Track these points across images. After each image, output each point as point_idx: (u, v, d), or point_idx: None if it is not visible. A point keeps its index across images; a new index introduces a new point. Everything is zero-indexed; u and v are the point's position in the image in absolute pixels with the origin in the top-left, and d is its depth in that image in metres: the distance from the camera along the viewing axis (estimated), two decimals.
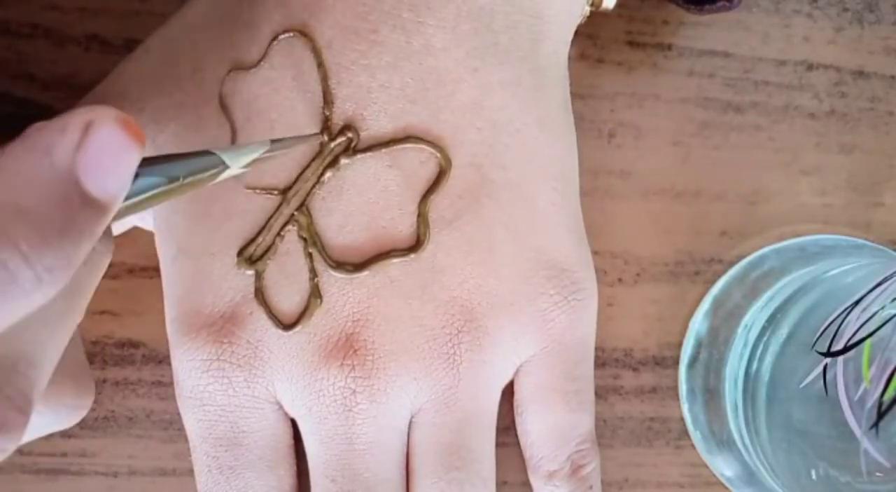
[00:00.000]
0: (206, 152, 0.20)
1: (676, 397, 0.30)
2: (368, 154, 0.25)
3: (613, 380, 0.30)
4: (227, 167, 0.20)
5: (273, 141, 0.21)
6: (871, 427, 0.23)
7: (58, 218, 0.17)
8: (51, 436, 0.28)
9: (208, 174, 0.20)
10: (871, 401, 0.24)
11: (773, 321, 0.28)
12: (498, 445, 0.27)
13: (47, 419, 0.21)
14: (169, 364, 0.26)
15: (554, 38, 0.26)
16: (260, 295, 0.25)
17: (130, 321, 0.28)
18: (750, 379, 0.28)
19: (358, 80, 0.24)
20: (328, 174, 0.24)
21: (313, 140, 0.24)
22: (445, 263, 0.25)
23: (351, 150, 0.24)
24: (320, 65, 0.24)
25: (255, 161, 0.21)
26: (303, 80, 0.24)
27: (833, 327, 0.24)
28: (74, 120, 0.17)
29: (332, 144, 0.24)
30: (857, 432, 0.24)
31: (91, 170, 0.17)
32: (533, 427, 0.27)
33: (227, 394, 0.25)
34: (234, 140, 0.25)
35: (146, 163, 0.18)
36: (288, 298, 0.25)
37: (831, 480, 0.25)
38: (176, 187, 0.19)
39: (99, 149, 0.17)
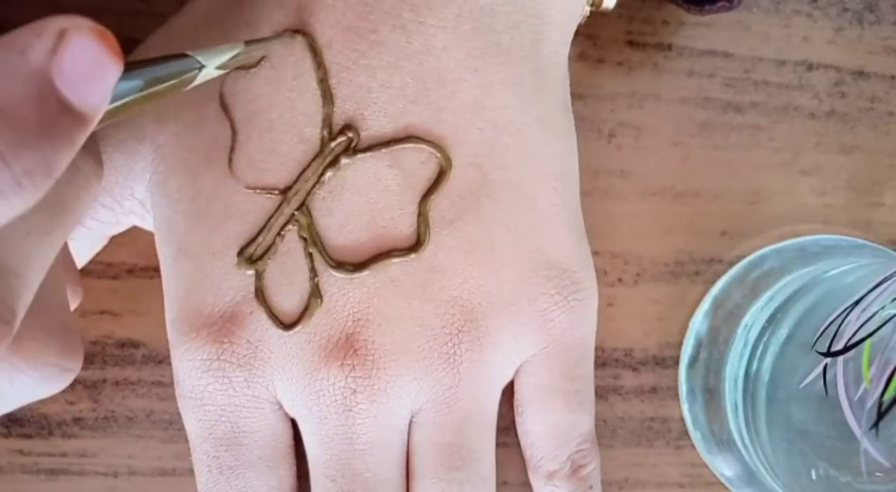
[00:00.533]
0: (183, 55, 0.19)
1: (676, 397, 0.30)
2: (369, 154, 0.25)
3: (613, 380, 0.30)
4: (203, 67, 0.20)
5: (247, 42, 0.21)
6: (871, 427, 0.23)
7: (34, 119, 0.16)
8: (50, 436, 0.28)
9: (186, 76, 0.20)
10: (871, 401, 0.24)
11: (773, 321, 0.28)
12: (498, 445, 0.27)
13: (32, 379, 0.20)
14: (169, 364, 0.26)
15: (554, 39, 0.26)
16: (260, 295, 0.25)
17: (130, 321, 0.28)
18: (750, 379, 0.28)
19: (358, 79, 0.24)
20: (328, 174, 0.24)
21: (285, 39, 0.24)
22: (446, 263, 0.25)
23: (351, 149, 0.24)
24: (320, 65, 0.24)
25: (231, 61, 0.20)
26: (303, 79, 0.24)
27: (833, 327, 0.24)
28: (49, 25, 0.16)
29: (333, 144, 0.24)
30: (857, 432, 0.24)
31: (67, 77, 0.16)
32: (533, 427, 0.27)
33: (228, 394, 0.25)
34: (234, 140, 0.25)
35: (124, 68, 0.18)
36: (288, 298, 0.25)
37: (831, 480, 0.25)
38: (155, 91, 0.19)
39: (74, 57, 0.16)
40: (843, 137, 0.31)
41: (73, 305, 0.23)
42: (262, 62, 0.25)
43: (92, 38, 0.16)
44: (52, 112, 0.16)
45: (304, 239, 0.25)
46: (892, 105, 0.31)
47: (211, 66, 0.20)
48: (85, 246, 0.27)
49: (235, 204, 0.25)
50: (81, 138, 0.17)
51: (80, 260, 0.27)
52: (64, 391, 0.21)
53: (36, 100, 0.16)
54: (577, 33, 0.27)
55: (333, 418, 0.25)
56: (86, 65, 0.16)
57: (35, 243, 0.18)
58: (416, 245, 0.25)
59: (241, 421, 0.25)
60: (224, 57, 0.20)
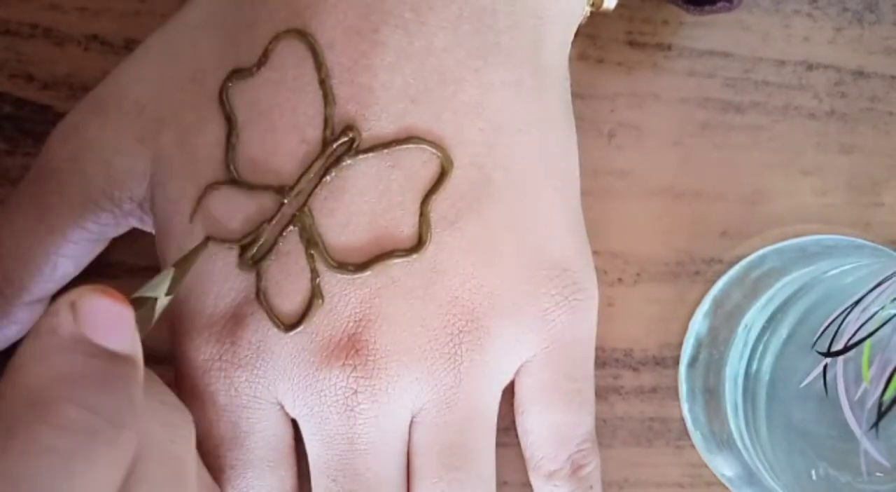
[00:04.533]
0: (141, 299, 0.22)
1: (676, 397, 0.30)
2: (370, 154, 0.24)
3: (613, 380, 0.30)
4: (156, 299, 0.22)
5: (175, 265, 0.23)
6: (871, 427, 0.23)
7: (95, 371, 0.19)
8: None
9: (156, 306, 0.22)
10: (871, 401, 0.24)
11: (773, 321, 0.28)
12: (498, 445, 0.27)
13: None
14: (169, 364, 0.26)
15: (555, 39, 0.26)
16: (261, 295, 0.25)
17: None
18: (750, 379, 0.28)
19: (360, 80, 0.24)
20: (330, 175, 0.24)
21: (207, 249, 0.25)
22: (447, 264, 0.25)
23: (353, 150, 0.24)
24: (322, 65, 0.24)
25: (172, 286, 0.23)
26: (304, 80, 0.24)
27: (833, 327, 0.25)
28: (59, 304, 0.19)
29: (334, 145, 0.24)
30: (857, 432, 0.24)
31: (98, 329, 0.19)
32: (533, 427, 0.27)
33: (229, 394, 0.25)
34: (235, 140, 0.25)
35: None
36: (289, 299, 0.25)
37: (831, 480, 0.25)
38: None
39: (93, 313, 0.19)
40: (843, 137, 0.31)
41: None
42: (264, 63, 0.25)
43: (98, 297, 0.19)
44: (105, 362, 0.19)
45: (306, 240, 0.25)
46: (892, 105, 0.31)
47: (160, 294, 0.22)
48: (85, 249, 0.27)
49: (236, 204, 0.25)
50: (139, 375, 0.20)
51: (81, 264, 0.27)
52: None
53: (87, 358, 0.19)
54: (577, 33, 0.27)
55: (335, 419, 0.25)
56: (105, 317, 0.19)
57: None
58: (417, 245, 0.25)
59: (242, 421, 0.25)
60: (164, 285, 0.22)
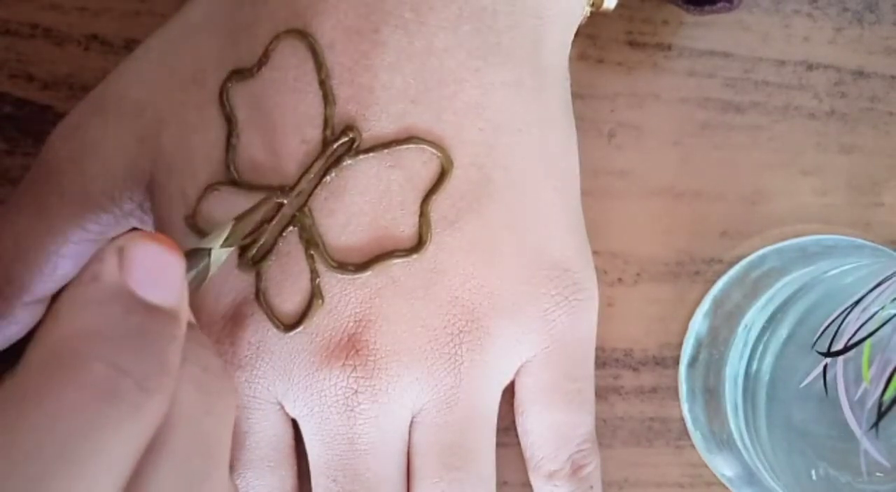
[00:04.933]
0: (197, 249, 0.21)
1: (676, 397, 0.30)
2: (370, 154, 0.24)
3: (613, 380, 0.30)
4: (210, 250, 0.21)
5: (236, 218, 0.23)
6: (871, 427, 0.23)
7: (130, 328, 0.17)
8: None
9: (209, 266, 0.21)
10: (871, 401, 0.24)
11: (773, 321, 0.28)
12: (498, 445, 0.27)
13: None
14: None
15: (555, 39, 0.26)
16: (261, 296, 0.25)
17: None
18: (750, 379, 0.28)
19: (360, 80, 0.24)
20: (330, 175, 0.24)
21: (272, 204, 0.24)
22: (447, 264, 0.25)
23: (353, 150, 0.24)
24: (322, 65, 0.24)
25: (230, 239, 0.22)
26: (305, 80, 0.24)
27: (833, 327, 0.25)
28: (107, 250, 0.18)
29: (335, 145, 0.24)
30: (857, 432, 0.24)
31: (142, 282, 0.18)
32: (534, 427, 0.27)
33: None
34: (235, 141, 0.25)
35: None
36: (289, 299, 0.25)
37: (831, 480, 0.25)
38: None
39: (140, 264, 0.18)
40: (843, 137, 0.31)
41: None
42: (264, 63, 0.25)
43: (148, 243, 0.18)
44: (144, 317, 0.18)
45: (306, 240, 0.25)
46: (892, 105, 0.31)
47: (216, 246, 0.21)
48: (85, 249, 0.27)
49: (236, 205, 0.25)
50: (179, 332, 0.18)
51: (81, 264, 0.27)
52: None
53: (124, 313, 0.18)
54: (577, 33, 0.27)
55: (335, 419, 0.25)
56: (153, 266, 0.18)
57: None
58: (417, 245, 0.25)
59: (241, 422, 0.25)
60: (221, 237, 0.22)
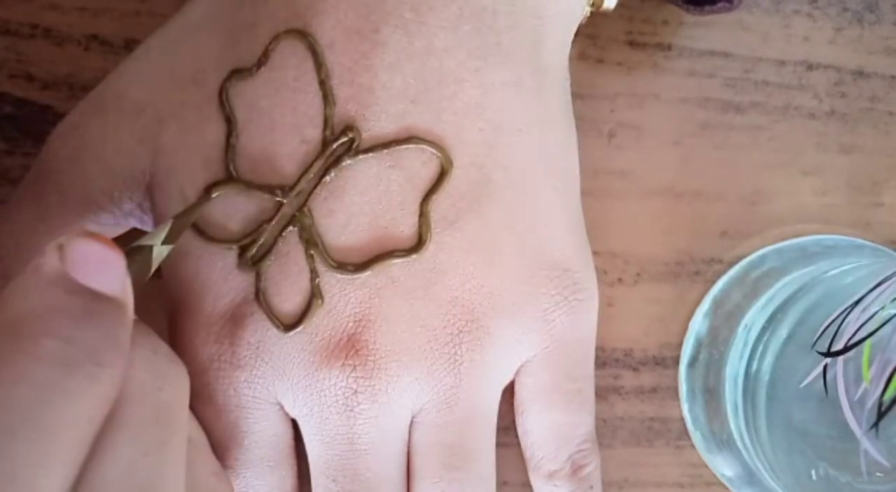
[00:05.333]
0: (138, 247, 0.22)
1: (676, 397, 0.30)
2: (370, 154, 0.24)
3: (613, 380, 0.30)
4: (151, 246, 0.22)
5: (175, 217, 0.23)
6: (871, 427, 0.23)
7: (74, 307, 0.18)
8: None
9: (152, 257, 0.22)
10: (871, 401, 0.24)
11: (773, 321, 0.28)
12: (498, 445, 0.27)
13: None
14: None
15: (555, 39, 0.26)
16: (261, 296, 0.25)
17: None
18: (750, 379, 0.28)
19: (360, 80, 0.24)
20: (330, 175, 0.24)
21: (209, 204, 0.25)
22: (447, 264, 0.25)
23: (353, 150, 0.24)
24: (322, 65, 0.24)
25: (169, 235, 0.22)
26: (304, 80, 0.24)
27: (833, 327, 0.25)
28: (47, 247, 0.19)
29: (334, 145, 0.24)
30: (857, 432, 0.24)
31: (83, 270, 0.19)
32: (534, 427, 0.27)
33: (228, 395, 0.25)
34: (234, 141, 0.25)
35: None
36: (289, 299, 0.25)
37: (831, 480, 0.25)
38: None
39: (80, 255, 0.19)
40: (843, 137, 0.31)
41: None
42: (264, 63, 0.25)
43: (88, 240, 0.19)
44: (87, 299, 0.18)
45: (305, 240, 0.25)
46: (892, 105, 0.31)
47: (157, 243, 0.22)
48: None
49: (236, 205, 0.25)
50: (126, 318, 0.19)
51: None
52: None
53: (67, 293, 0.18)
54: (577, 33, 0.27)
55: (335, 419, 0.25)
56: (92, 259, 0.19)
57: (155, 462, 0.20)
58: (417, 245, 0.25)
59: (241, 422, 0.25)
60: (161, 235, 0.22)
